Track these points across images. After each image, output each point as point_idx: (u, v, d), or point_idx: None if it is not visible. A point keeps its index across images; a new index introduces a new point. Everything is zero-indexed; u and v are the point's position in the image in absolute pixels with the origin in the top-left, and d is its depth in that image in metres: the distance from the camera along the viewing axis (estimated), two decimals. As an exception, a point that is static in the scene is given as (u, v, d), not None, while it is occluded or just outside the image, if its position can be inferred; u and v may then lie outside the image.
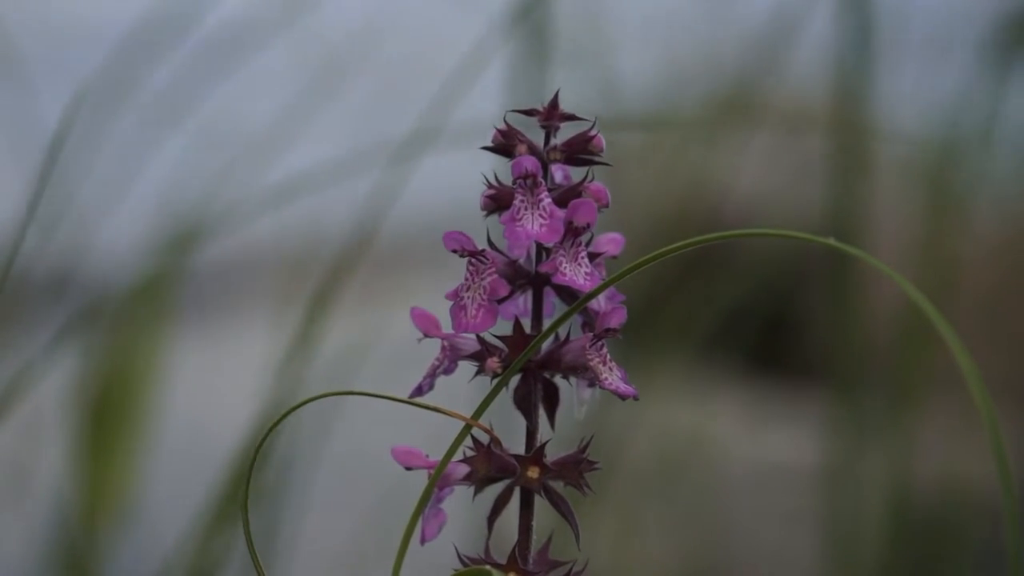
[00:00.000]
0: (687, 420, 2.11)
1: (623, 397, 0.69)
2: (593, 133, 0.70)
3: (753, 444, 2.18)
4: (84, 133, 1.48)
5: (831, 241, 0.67)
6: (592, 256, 0.70)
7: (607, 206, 0.70)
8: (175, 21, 1.51)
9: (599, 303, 0.71)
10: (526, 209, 0.69)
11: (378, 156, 1.13)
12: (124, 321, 1.64)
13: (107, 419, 1.64)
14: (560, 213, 0.68)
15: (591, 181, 0.70)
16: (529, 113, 0.70)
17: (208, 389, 2.35)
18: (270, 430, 0.65)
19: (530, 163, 0.69)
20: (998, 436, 0.67)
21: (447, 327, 0.70)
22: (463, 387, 0.76)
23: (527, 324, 0.70)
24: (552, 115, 0.70)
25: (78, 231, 1.38)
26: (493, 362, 0.69)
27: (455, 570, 0.69)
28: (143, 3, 1.54)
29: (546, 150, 0.70)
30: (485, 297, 0.69)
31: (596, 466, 0.70)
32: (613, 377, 0.69)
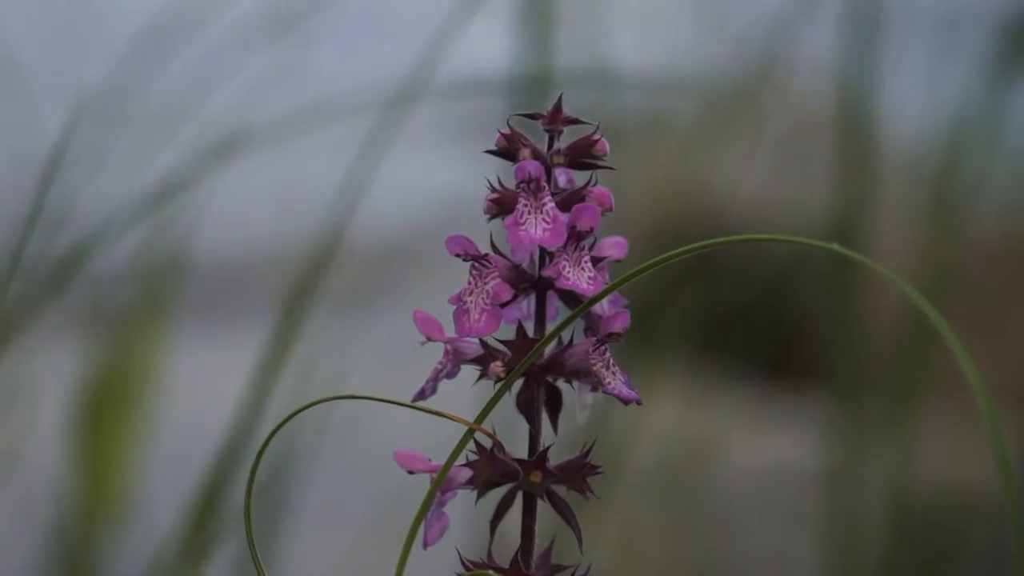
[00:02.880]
0: (690, 423, 2.11)
1: (626, 402, 0.69)
2: (596, 137, 0.70)
3: (755, 447, 2.18)
4: (87, 138, 1.48)
5: (836, 247, 0.67)
6: (595, 260, 0.70)
7: (610, 210, 0.70)
8: (184, 21, 1.51)
9: (602, 307, 0.71)
10: (529, 213, 0.68)
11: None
12: (123, 319, 1.64)
13: (106, 417, 1.63)
14: (563, 217, 0.68)
15: (594, 185, 0.70)
16: (533, 117, 0.70)
17: (207, 387, 2.35)
18: (271, 436, 0.65)
19: (533, 167, 0.68)
20: (1000, 439, 0.66)
21: (450, 331, 0.70)
22: (467, 391, 0.75)
23: (530, 328, 0.70)
24: (556, 119, 0.70)
25: (80, 231, 1.38)
26: (496, 366, 0.69)
27: (457, 574, 0.69)
28: (150, 8, 1.54)
29: (549, 154, 0.70)
30: (488, 301, 0.69)
31: (599, 470, 0.69)
32: (616, 381, 0.69)
